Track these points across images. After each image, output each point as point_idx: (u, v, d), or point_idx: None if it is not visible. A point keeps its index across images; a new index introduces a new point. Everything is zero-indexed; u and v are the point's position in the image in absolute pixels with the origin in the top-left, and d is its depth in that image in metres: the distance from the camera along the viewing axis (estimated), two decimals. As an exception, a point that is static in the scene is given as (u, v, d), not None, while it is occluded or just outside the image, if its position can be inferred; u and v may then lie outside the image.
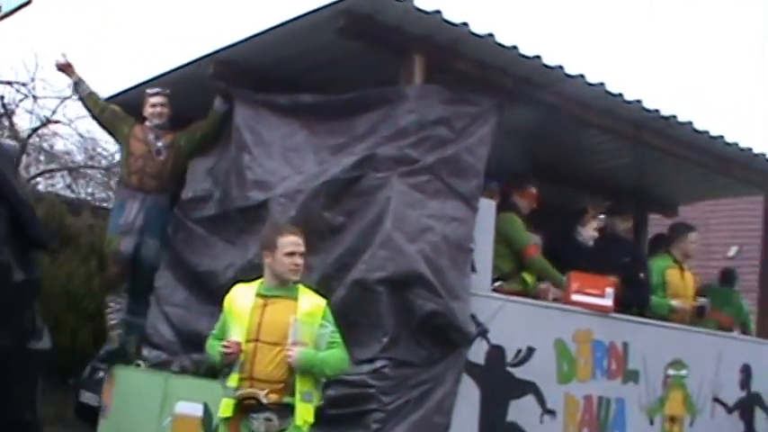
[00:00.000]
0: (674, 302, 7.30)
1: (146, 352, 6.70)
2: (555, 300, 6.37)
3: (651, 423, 6.84)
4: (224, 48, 6.10)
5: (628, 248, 7.25)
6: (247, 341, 4.68)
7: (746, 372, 7.57)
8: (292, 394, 4.65)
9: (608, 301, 6.49)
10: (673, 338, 7.03)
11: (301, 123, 6.05)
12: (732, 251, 27.26)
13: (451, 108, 5.75)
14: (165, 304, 6.72)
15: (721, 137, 7.17)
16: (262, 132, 6.18)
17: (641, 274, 7.21)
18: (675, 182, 8.30)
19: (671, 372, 6.98)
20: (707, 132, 7.06)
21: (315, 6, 5.44)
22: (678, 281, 7.45)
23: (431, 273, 5.38)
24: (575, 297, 6.35)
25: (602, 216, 7.45)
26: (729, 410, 7.42)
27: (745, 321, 8.44)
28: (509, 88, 6.08)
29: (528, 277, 6.41)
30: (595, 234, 6.84)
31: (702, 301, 7.50)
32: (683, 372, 7.06)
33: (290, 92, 6.15)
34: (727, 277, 8.84)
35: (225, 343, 4.70)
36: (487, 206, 5.89)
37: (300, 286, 4.84)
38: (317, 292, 4.88)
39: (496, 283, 6.12)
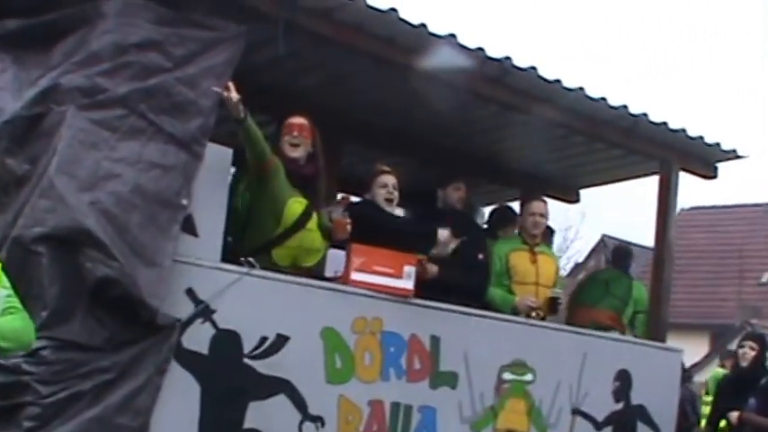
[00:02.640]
0: (518, 299, 5.96)
1: None
2: (332, 278, 5.11)
3: (478, 438, 5.52)
4: None
5: (463, 224, 5.92)
6: None
7: (624, 379, 6.15)
8: None
9: (407, 284, 5.19)
10: (512, 335, 5.68)
11: (13, 56, 4.92)
12: (765, 277, 25.82)
13: (168, 30, 4.59)
14: None
15: (581, 89, 5.84)
16: (-28, 71, 5.11)
17: (480, 256, 5.90)
18: (557, 156, 6.97)
19: (508, 376, 5.62)
20: (558, 82, 5.75)
21: None
22: (527, 266, 6.08)
23: (108, 230, 4.19)
24: (356, 276, 5.07)
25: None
26: (598, 426, 6.01)
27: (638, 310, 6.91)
28: (265, 12, 4.91)
29: (282, 255, 5.02)
30: (389, 195, 5.51)
31: (556, 291, 6.10)
32: (527, 377, 5.70)
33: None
34: (619, 257, 7.29)
35: None
36: (221, 154, 4.70)
37: None
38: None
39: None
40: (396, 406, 5.16)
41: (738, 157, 6.70)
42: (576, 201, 7.73)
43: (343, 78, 5.83)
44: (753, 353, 6.66)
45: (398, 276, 5.17)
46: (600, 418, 6.02)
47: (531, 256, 6.13)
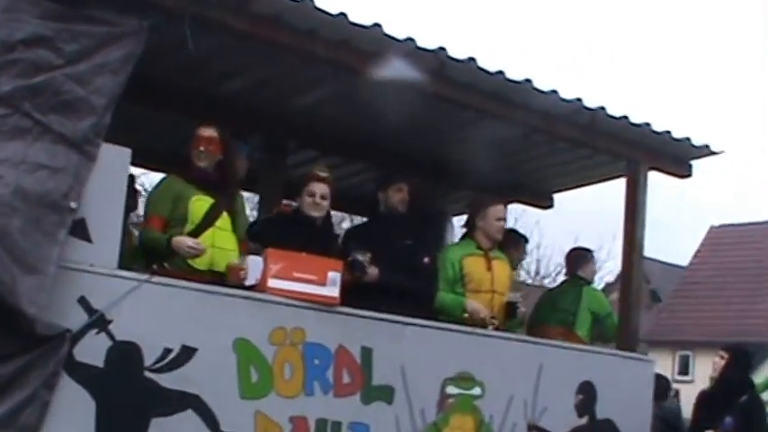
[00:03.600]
0: (469, 303, 5.57)
1: None
2: (252, 287, 4.80)
3: (423, 456, 5.13)
4: None
5: (408, 227, 5.56)
6: None
7: (587, 392, 5.73)
8: None
9: (331, 291, 4.86)
10: (455, 345, 5.31)
11: None
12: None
13: (58, 26, 4.34)
14: None
15: (528, 81, 5.45)
16: None
17: (425, 259, 5.53)
18: (521, 158, 6.59)
19: (453, 390, 5.24)
20: (501, 74, 5.39)
21: None
22: (482, 272, 5.66)
23: (-17, 235, 3.96)
24: (274, 284, 4.76)
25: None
26: (558, 443, 5.60)
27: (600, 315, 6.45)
28: (169, 6, 4.65)
29: (197, 260, 4.77)
30: (314, 204, 5.20)
31: (513, 296, 5.70)
32: (475, 391, 5.31)
33: None
34: (569, 263, 6.81)
35: None
36: (117, 155, 4.43)
37: None
38: None
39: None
40: (322, 422, 4.81)
41: (713, 153, 6.27)
42: (550, 206, 7.33)
43: (271, 79, 5.55)
44: (722, 362, 6.12)
45: (322, 283, 4.84)
46: (560, 434, 5.62)
47: (486, 262, 5.72)
